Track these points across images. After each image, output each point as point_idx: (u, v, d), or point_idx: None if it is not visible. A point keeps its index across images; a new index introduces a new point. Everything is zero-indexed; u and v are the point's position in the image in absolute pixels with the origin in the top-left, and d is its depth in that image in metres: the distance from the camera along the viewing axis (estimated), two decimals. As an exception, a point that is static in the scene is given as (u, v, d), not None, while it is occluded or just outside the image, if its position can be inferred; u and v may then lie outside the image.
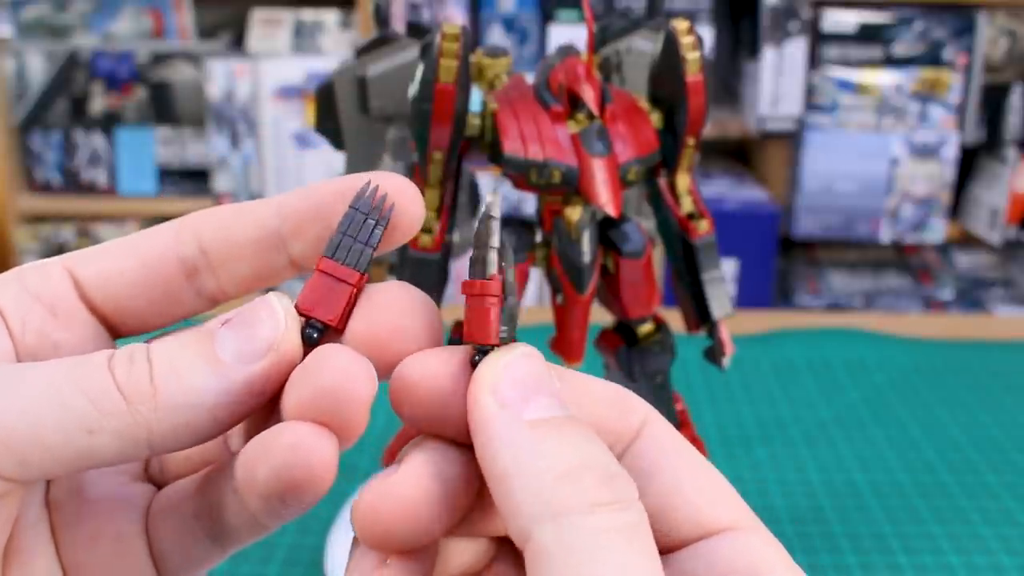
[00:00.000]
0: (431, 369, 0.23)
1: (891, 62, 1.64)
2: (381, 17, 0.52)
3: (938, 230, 1.70)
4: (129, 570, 0.26)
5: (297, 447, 0.23)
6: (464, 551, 0.25)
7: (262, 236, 0.25)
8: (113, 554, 0.26)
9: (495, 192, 0.24)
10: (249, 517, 0.25)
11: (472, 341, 0.23)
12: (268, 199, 0.26)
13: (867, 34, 1.63)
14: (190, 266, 0.26)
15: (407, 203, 0.25)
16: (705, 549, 0.23)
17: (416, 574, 0.23)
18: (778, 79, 1.61)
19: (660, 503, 0.23)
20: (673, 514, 0.23)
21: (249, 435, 0.25)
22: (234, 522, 0.26)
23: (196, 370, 0.22)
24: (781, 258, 1.78)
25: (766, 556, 0.23)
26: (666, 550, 0.24)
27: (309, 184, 0.25)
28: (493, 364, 0.22)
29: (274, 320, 0.23)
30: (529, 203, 1.62)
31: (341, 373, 0.23)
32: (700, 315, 0.49)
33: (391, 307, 0.24)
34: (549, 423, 0.22)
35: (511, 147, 0.44)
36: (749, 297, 1.67)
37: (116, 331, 0.26)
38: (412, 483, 0.23)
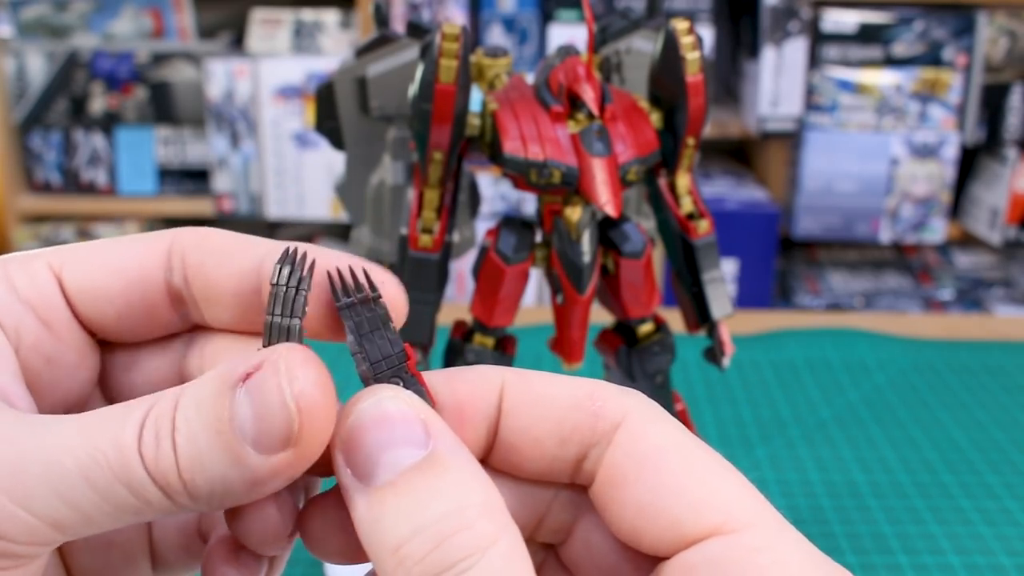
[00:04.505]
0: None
1: (891, 62, 1.64)
2: (381, 17, 0.52)
3: (938, 230, 1.70)
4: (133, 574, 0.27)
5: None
6: None
7: (243, 291, 0.25)
8: (123, 563, 0.27)
9: None
10: None
11: None
12: (259, 245, 0.25)
13: (867, 34, 1.63)
14: (176, 294, 0.25)
15: (392, 294, 0.24)
16: (680, 562, 0.22)
17: None
18: (778, 79, 1.61)
19: (635, 515, 0.22)
20: (650, 526, 0.22)
21: None
22: None
23: (219, 462, 0.21)
24: (781, 258, 1.78)
25: (748, 563, 0.21)
26: (655, 561, 0.23)
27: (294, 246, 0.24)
28: (342, 429, 0.22)
29: (286, 412, 0.21)
30: (529, 203, 1.62)
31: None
32: (700, 315, 0.49)
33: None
34: (394, 485, 0.21)
35: (511, 147, 0.44)
36: (749, 297, 1.67)
37: (98, 336, 0.26)
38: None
